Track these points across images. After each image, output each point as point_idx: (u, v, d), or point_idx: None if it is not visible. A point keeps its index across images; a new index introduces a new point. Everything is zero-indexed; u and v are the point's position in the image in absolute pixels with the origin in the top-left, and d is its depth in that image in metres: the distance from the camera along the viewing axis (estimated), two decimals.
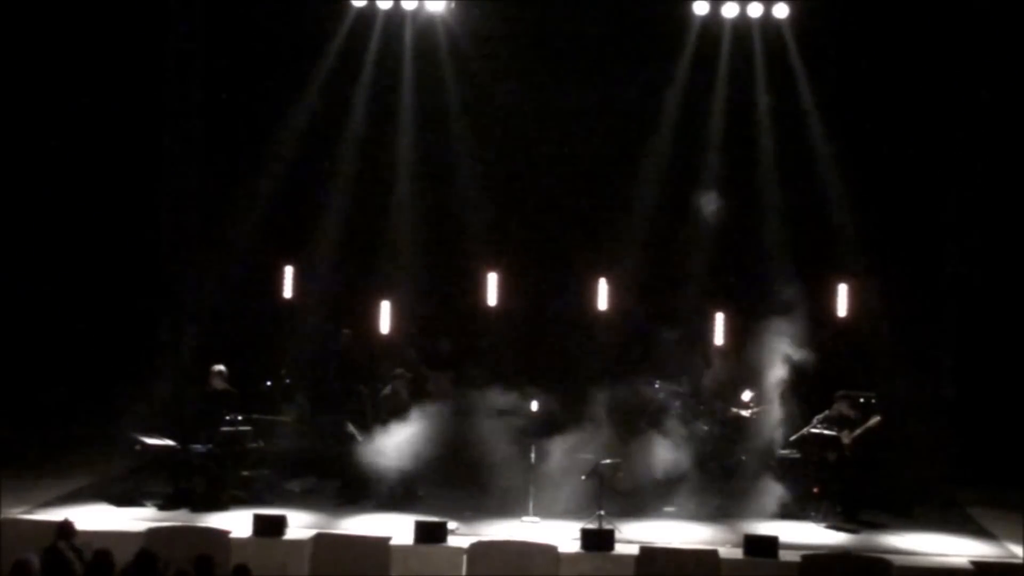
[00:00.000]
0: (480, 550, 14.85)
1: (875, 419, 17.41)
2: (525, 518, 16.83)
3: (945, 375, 20.03)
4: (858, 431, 17.31)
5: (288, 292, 20.78)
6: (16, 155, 19.94)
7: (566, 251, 20.90)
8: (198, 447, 17.35)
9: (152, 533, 14.92)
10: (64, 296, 20.29)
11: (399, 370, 18.37)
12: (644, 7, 20.22)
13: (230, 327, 20.30)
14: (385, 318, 20.54)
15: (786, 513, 17.28)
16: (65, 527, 13.12)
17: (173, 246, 20.91)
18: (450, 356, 20.38)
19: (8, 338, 19.78)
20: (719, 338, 19.85)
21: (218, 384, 17.66)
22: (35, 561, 12.06)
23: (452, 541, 15.44)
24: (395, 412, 17.72)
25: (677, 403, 18.67)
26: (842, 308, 19.89)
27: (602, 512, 16.28)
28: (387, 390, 18.07)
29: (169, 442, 17.51)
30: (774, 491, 17.44)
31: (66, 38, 19.93)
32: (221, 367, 17.73)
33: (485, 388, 18.46)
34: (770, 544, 15.18)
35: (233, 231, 20.51)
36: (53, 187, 20.20)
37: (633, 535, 16.08)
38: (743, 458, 18.38)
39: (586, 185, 20.75)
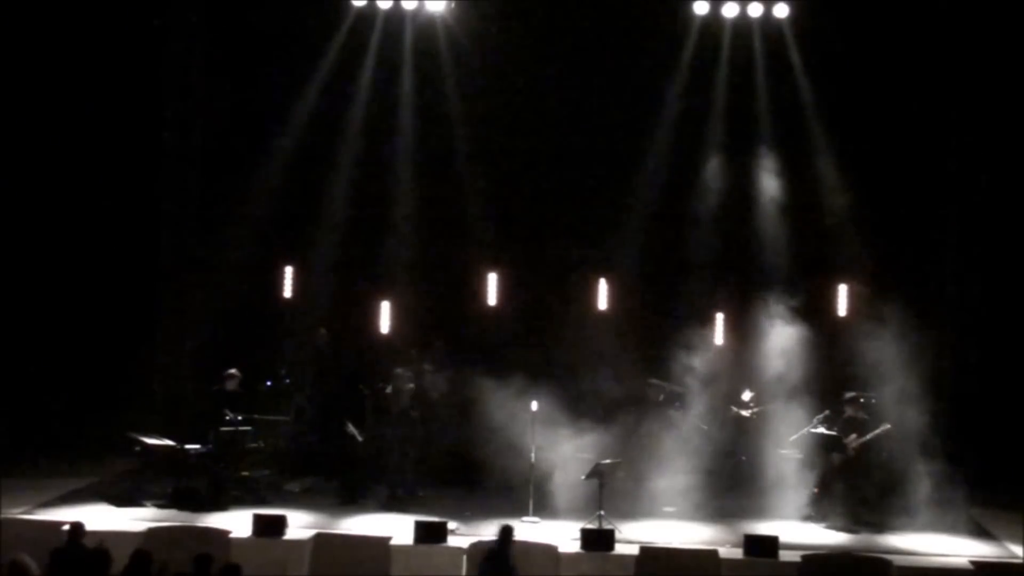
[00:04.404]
0: (480, 550, 14.84)
1: (885, 427, 17.31)
2: (525, 518, 16.82)
3: (945, 375, 20.01)
4: (867, 437, 17.24)
5: (288, 292, 20.79)
6: (17, 157, 19.92)
7: (566, 251, 20.88)
8: (198, 447, 17.36)
9: (152, 533, 14.93)
10: (64, 297, 20.26)
11: (399, 370, 18.37)
12: (644, 7, 20.23)
13: (230, 327, 20.29)
14: (385, 318, 20.53)
15: (787, 513, 17.26)
16: (77, 528, 13.13)
17: (173, 246, 20.90)
18: (448, 355, 20.36)
19: (9, 339, 19.76)
20: (719, 338, 19.83)
21: (231, 386, 17.72)
22: (31, 562, 12.03)
23: (452, 541, 15.45)
24: (395, 412, 17.71)
25: (677, 403, 18.64)
26: (842, 308, 19.88)
27: (602, 512, 16.28)
28: (387, 390, 18.06)
29: (169, 442, 17.53)
30: (774, 491, 17.43)
31: (67, 37, 19.93)
32: (236, 371, 17.80)
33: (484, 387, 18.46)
34: (770, 544, 15.18)
35: (233, 231, 20.52)
36: (53, 188, 20.18)
37: (633, 535, 16.08)
38: (743, 458, 18.37)
39: (586, 185, 20.72)
